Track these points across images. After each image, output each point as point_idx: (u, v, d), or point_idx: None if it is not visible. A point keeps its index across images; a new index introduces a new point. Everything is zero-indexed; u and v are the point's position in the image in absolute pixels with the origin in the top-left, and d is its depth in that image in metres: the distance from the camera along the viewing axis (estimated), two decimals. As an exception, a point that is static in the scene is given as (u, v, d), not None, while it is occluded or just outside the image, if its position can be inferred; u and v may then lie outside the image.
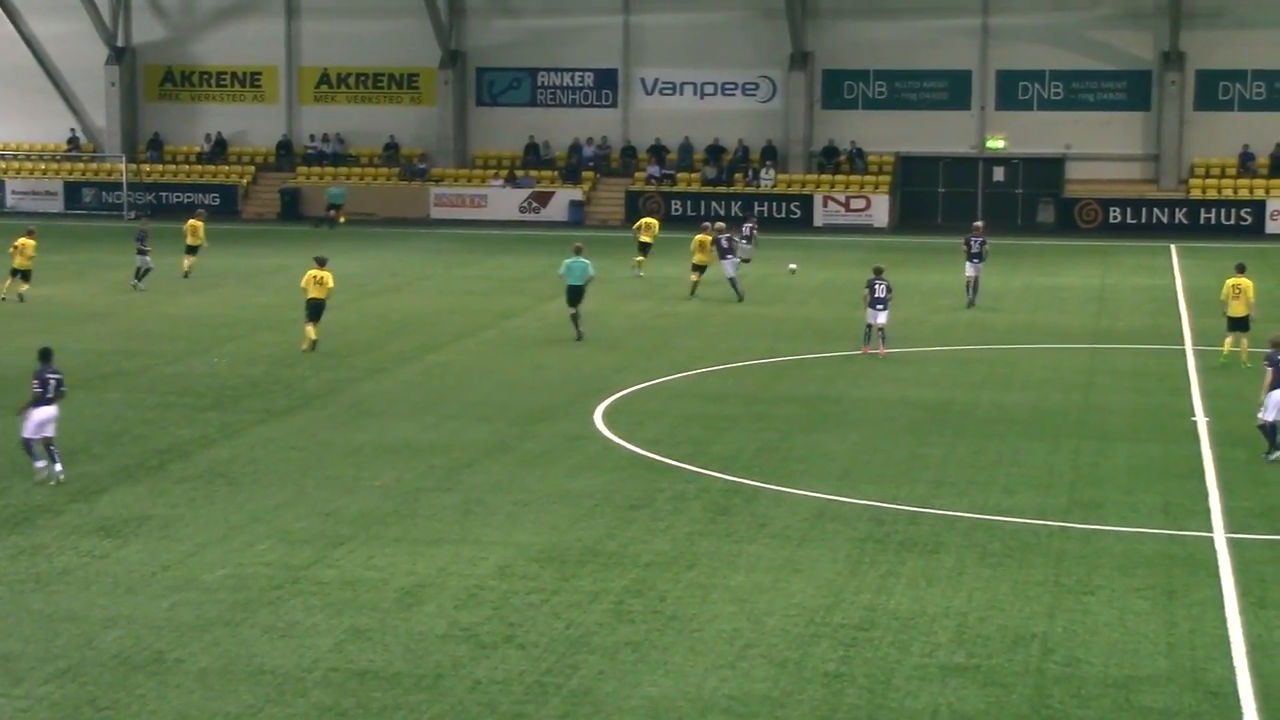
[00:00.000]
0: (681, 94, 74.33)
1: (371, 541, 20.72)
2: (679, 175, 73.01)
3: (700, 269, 46.73)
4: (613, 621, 17.62)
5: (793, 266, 50.28)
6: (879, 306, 36.32)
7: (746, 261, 49.95)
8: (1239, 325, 35.09)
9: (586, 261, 38.70)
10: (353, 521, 21.71)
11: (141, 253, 47.44)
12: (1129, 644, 16.97)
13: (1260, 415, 25.55)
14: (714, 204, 69.76)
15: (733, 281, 45.90)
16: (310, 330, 35.92)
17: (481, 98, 76.23)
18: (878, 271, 37.12)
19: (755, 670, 16.20)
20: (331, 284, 36.20)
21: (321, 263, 36.58)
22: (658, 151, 73.57)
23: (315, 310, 35.98)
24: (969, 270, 44.98)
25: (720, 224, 49.67)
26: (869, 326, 36.49)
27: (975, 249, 44.92)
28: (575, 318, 38.27)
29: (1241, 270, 36.28)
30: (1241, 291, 35.14)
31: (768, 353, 36.37)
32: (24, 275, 44.45)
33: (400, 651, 16.65)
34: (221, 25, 77.79)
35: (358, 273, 50.31)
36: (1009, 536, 21.11)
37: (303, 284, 36.28)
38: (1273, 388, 25.29)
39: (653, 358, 35.76)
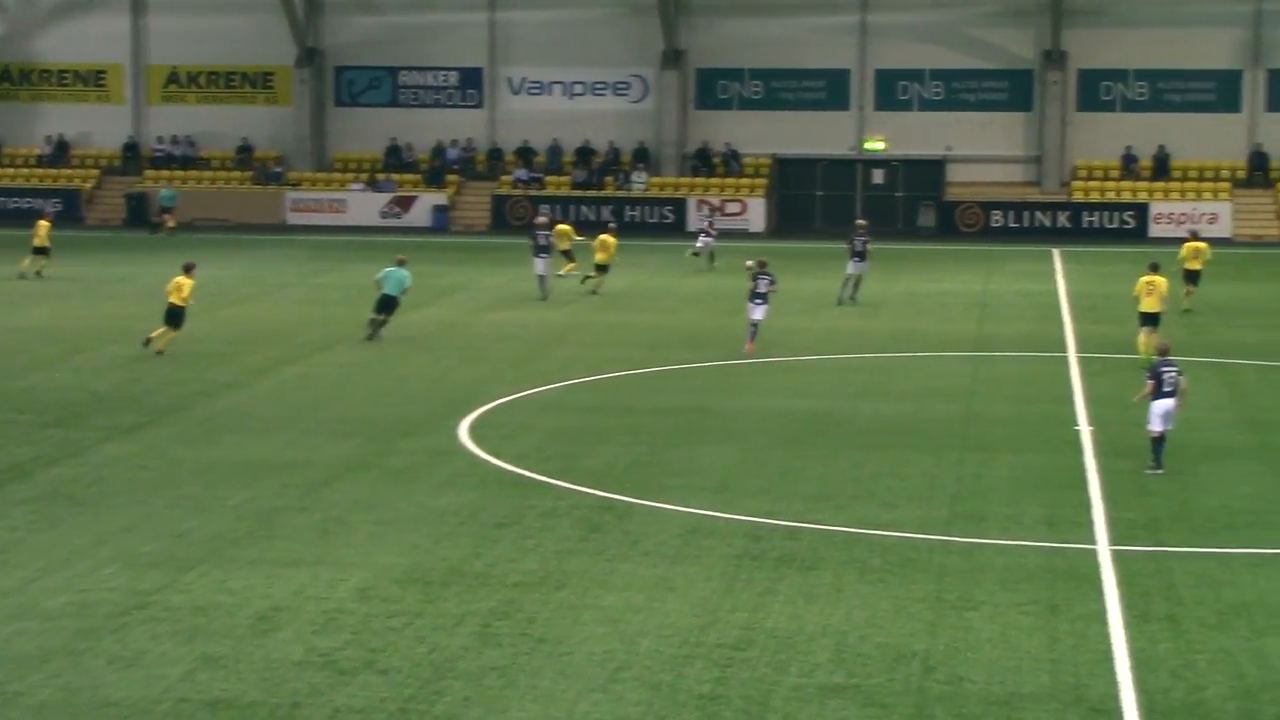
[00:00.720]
0: (550, 94, 74.40)
1: (224, 564, 20.50)
2: (547, 178, 73.03)
3: (602, 269, 48.14)
4: (479, 645, 17.55)
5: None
6: (757, 301, 37.38)
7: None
8: (1151, 320, 36.80)
9: (405, 273, 39.48)
10: (204, 544, 21.47)
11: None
12: (1011, 661, 17.17)
13: (1149, 427, 25.80)
14: (583, 208, 69.86)
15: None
16: (159, 331, 36.80)
17: (340, 98, 75.84)
18: (761, 265, 38.29)
19: (628, 694, 16.20)
20: (186, 292, 36.79)
21: (187, 269, 37.49)
22: (525, 154, 73.55)
23: (170, 316, 36.75)
24: (850, 268, 46.41)
25: (861, 221, 51.31)
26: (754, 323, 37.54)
27: (859, 247, 46.53)
28: (375, 322, 39.18)
29: (1155, 269, 37.98)
30: (1155, 288, 37.02)
31: (641, 362, 36.44)
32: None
33: (255, 680, 16.49)
34: (63, 20, 76.78)
35: (210, 281, 49.77)
36: (889, 551, 21.28)
37: (166, 289, 37.27)
38: (1154, 398, 25.62)
39: (521, 369, 35.71)
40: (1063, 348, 39.15)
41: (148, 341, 36.76)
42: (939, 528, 22.55)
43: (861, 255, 46.88)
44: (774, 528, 22.43)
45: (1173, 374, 25.72)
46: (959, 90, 71.75)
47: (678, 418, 30.30)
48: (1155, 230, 68.08)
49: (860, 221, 51.06)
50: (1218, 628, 18.22)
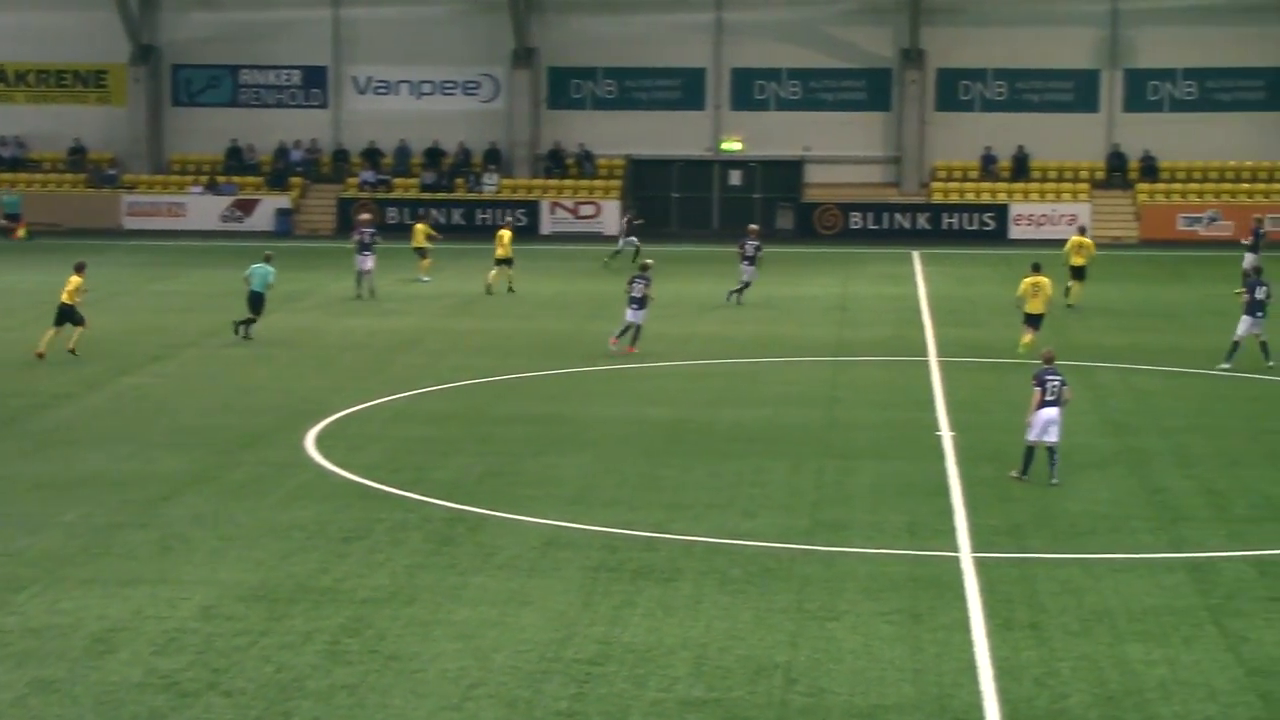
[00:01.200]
0: (397, 93, 74.06)
1: (58, 584, 20.18)
2: (395, 180, 72.65)
3: (504, 263, 49.93)
4: (327, 663, 17.43)
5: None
6: (634, 305, 38.27)
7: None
8: (1035, 322, 38.22)
9: (270, 269, 40.64)
10: (37, 563, 21.13)
11: None
12: (874, 671, 17.32)
13: (1027, 436, 25.81)
14: (433, 210, 69.56)
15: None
16: (47, 334, 37.42)
17: (178, 97, 74.98)
18: (643, 267, 39.79)
19: (483, 711, 16.17)
20: (71, 288, 37.60)
21: (78, 268, 38.27)
22: (372, 155, 73.13)
23: (61, 315, 37.47)
24: (745, 275, 48.09)
25: (753, 226, 52.02)
26: (628, 325, 38.54)
27: (750, 252, 48.01)
28: (245, 322, 40.05)
29: (1038, 269, 39.21)
30: (1040, 289, 38.32)
31: (494, 370, 36.36)
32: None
33: (91, 704, 16.25)
34: (-117, 16, 75.27)
35: (42, 289, 48.98)
36: (749, 561, 21.39)
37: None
38: (1039, 406, 25.58)
39: (369, 377, 35.51)
40: (924, 352, 39.58)
41: (41, 355, 36.89)
42: (800, 536, 22.70)
43: (752, 260, 48.13)
44: (632, 538, 22.47)
45: (1056, 382, 25.62)
46: (817, 90, 72.34)
47: (532, 426, 30.27)
48: (1015, 232, 69.01)
49: (751, 226, 51.82)
50: (1080, 634, 18.51)
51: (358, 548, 21.94)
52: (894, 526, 23.32)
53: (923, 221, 69.68)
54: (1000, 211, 69.71)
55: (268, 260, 41.01)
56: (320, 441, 28.73)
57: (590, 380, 35.61)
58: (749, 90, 72.66)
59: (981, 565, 21.28)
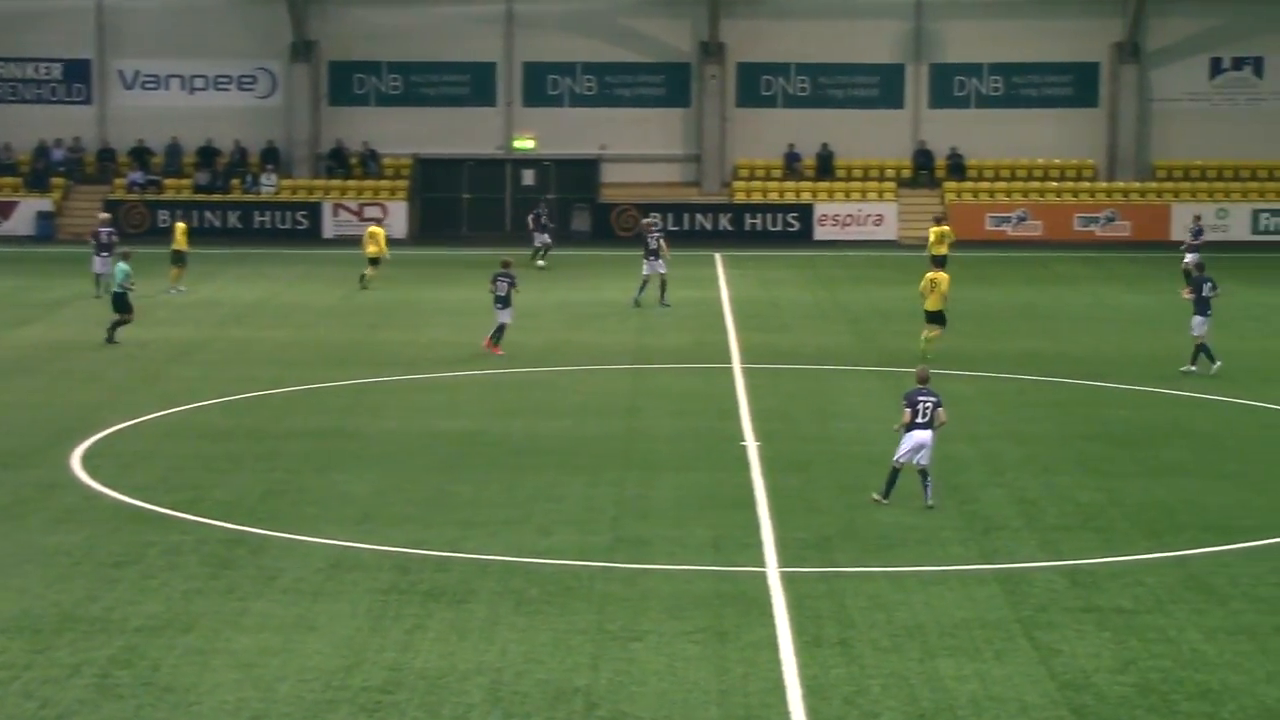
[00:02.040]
0: (167, 89, 72.99)
1: None
2: (167, 181, 71.65)
3: (374, 261, 51.41)
4: (96, 698, 17.16)
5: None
6: (499, 305, 39.36)
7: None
8: (936, 319, 39.19)
9: (123, 266, 41.37)
10: None
11: None
12: (679, 693, 17.44)
13: (895, 457, 25.41)
14: (208, 213, 68.75)
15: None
16: None
17: (-73, 92, 73.31)
18: (504, 265, 40.26)
19: (265, 745, 16.03)
20: None
21: None
22: (141, 154, 72.02)
23: None
24: (645, 269, 48.80)
25: (648, 219, 52.72)
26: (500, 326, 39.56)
27: (653, 245, 48.83)
28: (115, 323, 40.75)
29: (938, 265, 41.13)
30: (938, 285, 39.34)
31: (275, 382, 36.04)
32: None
33: None
34: None
35: None
36: (547, 580, 21.42)
37: None
38: (910, 428, 25.19)
39: (141, 391, 35.03)
40: (727, 358, 39.90)
41: None
42: (600, 554, 22.78)
43: (656, 254, 48.87)
44: (423, 558, 22.40)
45: (930, 403, 25.22)
46: (613, 85, 72.57)
47: (316, 441, 30.05)
48: (820, 233, 69.75)
49: (649, 219, 52.31)
50: (891, 650, 18.78)
51: (129, 573, 21.63)
52: (698, 541, 23.47)
53: (725, 222, 70.17)
54: (805, 212, 70.44)
55: (125, 258, 41.97)
56: (87, 460, 28.28)
57: (377, 392, 35.44)
58: (542, 85, 72.69)
59: (789, 580, 21.50)
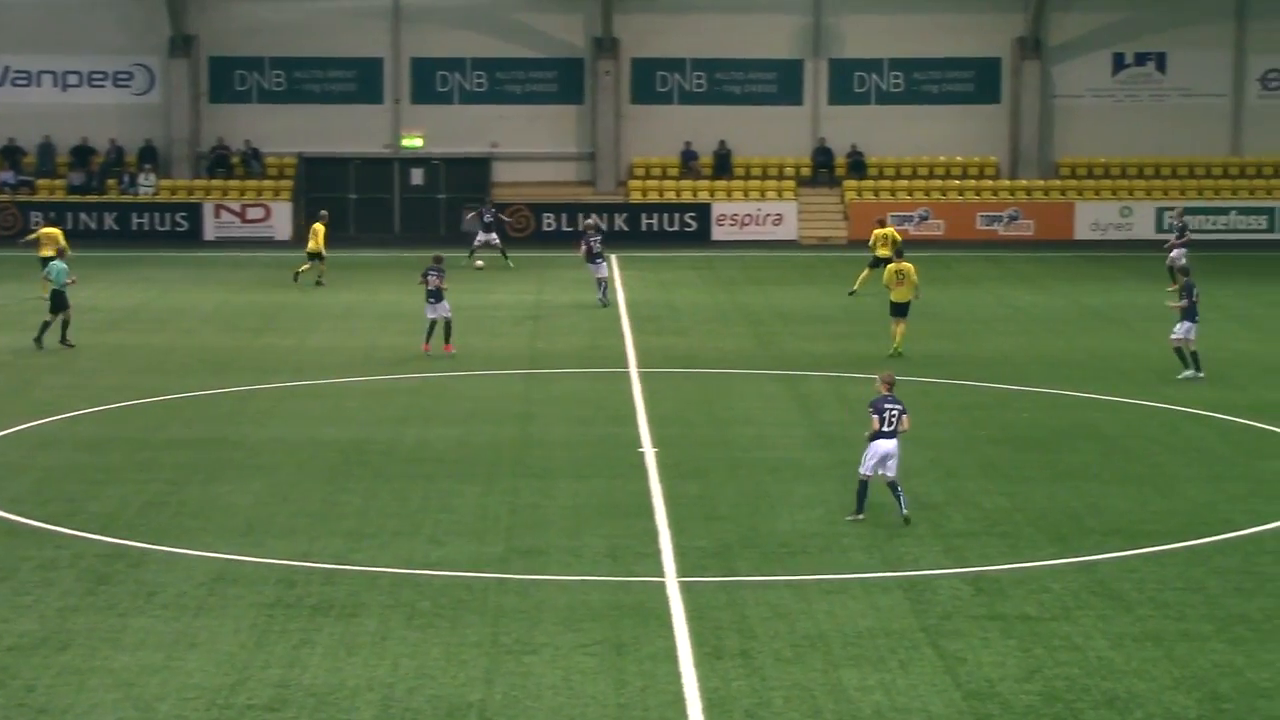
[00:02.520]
0: (39, 85, 72.29)
1: None
2: (39, 182, 71.01)
3: (316, 256, 53.48)
4: (-31, 721, 16.99)
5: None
6: (432, 300, 39.67)
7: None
8: (900, 311, 39.95)
9: (60, 264, 41.75)
10: None
11: None
12: (575, 708, 17.43)
13: (861, 469, 25.08)
14: (82, 215, 68.17)
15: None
16: None
17: None
18: (437, 260, 40.58)
19: (146, 767, 15.90)
20: None
21: None
22: (11, 154, 71.36)
23: None
24: (596, 271, 49.67)
25: (590, 220, 53.82)
26: (433, 323, 39.99)
27: (597, 249, 49.60)
28: (47, 324, 41.03)
29: (901, 256, 41.23)
30: (905, 276, 39.77)
31: (154, 390, 35.78)
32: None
33: None
34: None
35: None
36: (439, 593, 21.37)
37: None
38: (875, 437, 24.86)
39: (11, 400, 34.71)
40: (623, 362, 39.95)
41: None
42: (494, 565, 22.75)
43: (600, 256, 49.72)
44: (310, 571, 22.29)
45: (896, 411, 24.86)
46: (504, 81, 72.51)
47: (197, 451, 29.85)
48: (718, 233, 70.01)
49: (590, 221, 52.64)
50: (793, 661, 18.85)
51: (1, 590, 21.41)
52: (594, 551, 23.48)
53: (620, 222, 70.19)
54: (702, 211, 70.65)
55: (60, 255, 42.77)
56: (-43, 473, 28.00)
57: (261, 399, 35.23)
58: (431, 82, 72.53)
59: (688, 590, 21.54)
